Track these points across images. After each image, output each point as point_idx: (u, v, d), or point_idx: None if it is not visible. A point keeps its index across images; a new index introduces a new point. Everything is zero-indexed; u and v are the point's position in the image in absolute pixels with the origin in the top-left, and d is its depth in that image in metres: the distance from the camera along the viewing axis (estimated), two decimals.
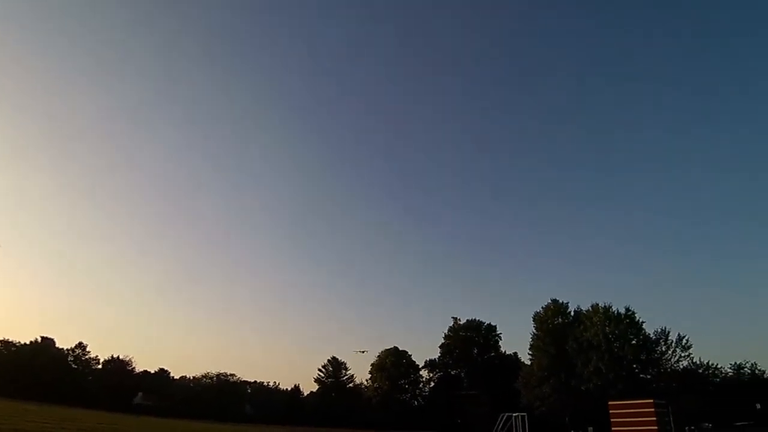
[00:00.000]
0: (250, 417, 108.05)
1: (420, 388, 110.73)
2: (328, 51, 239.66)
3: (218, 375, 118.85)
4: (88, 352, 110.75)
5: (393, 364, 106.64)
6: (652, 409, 50.65)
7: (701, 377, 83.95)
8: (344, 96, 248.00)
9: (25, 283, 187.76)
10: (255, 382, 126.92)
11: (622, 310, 78.25)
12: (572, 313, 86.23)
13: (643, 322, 77.83)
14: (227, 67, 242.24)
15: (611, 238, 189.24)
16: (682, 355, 78.31)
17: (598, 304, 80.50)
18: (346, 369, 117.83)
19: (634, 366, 75.45)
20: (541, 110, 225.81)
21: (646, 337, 77.42)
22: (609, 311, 78.10)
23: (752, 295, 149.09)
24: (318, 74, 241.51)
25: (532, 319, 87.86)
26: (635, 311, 78.22)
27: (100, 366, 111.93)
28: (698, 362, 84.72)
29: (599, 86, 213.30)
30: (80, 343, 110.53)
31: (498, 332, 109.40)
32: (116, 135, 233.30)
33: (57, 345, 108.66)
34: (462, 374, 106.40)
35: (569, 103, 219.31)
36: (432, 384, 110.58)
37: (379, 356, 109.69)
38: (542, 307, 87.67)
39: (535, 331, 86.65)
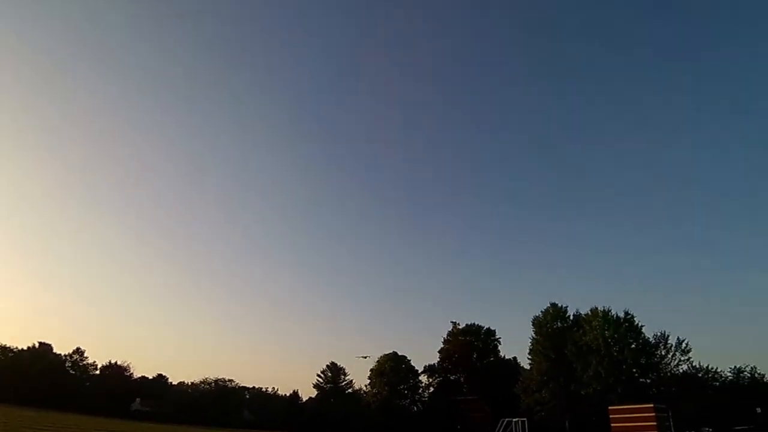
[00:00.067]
0: (248, 423, 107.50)
1: (419, 394, 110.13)
2: (330, 51, 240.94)
3: (216, 380, 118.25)
4: (86, 357, 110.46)
5: (392, 369, 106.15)
6: (653, 414, 50.73)
7: (701, 381, 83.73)
8: (346, 97, 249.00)
9: (22, 288, 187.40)
10: (253, 387, 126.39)
11: (621, 314, 78.00)
12: (571, 317, 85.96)
13: (642, 326, 77.67)
14: (229, 66, 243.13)
15: (610, 242, 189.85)
16: (682, 359, 78.05)
17: (597, 308, 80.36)
18: (345, 374, 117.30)
19: (634, 370, 75.17)
20: (540, 113, 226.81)
21: (646, 341, 77.17)
22: (608, 315, 77.85)
23: (751, 299, 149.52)
24: (319, 74, 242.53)
25: (531, 323, 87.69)
26: (634, 315, 78.08)
27: (97, 372, 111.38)
28: (698, 366, 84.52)
29: (597, 88, 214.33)
30: (78, 349, 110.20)
31: (497, 336, 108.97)
32: (117, 137, 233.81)
33: (54, 351, 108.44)
34: (461, 379, 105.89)
35: (569, 107, 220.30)
36: (431, 389, 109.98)
37: (378, 361, 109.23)
38: (541, 311, 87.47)
39: (534, 335, 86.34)
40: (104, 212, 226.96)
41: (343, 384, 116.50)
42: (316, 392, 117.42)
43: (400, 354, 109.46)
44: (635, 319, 77.61)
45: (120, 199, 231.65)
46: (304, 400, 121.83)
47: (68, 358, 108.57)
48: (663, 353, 78.01)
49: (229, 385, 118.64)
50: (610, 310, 78.64)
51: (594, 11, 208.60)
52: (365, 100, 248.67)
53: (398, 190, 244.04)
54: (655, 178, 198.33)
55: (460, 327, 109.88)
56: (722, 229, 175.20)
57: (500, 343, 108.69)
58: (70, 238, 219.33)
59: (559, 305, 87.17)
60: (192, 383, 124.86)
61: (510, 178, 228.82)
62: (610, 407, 57.12)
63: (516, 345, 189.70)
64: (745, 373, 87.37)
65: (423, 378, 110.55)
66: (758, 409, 76.59)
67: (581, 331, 79.34)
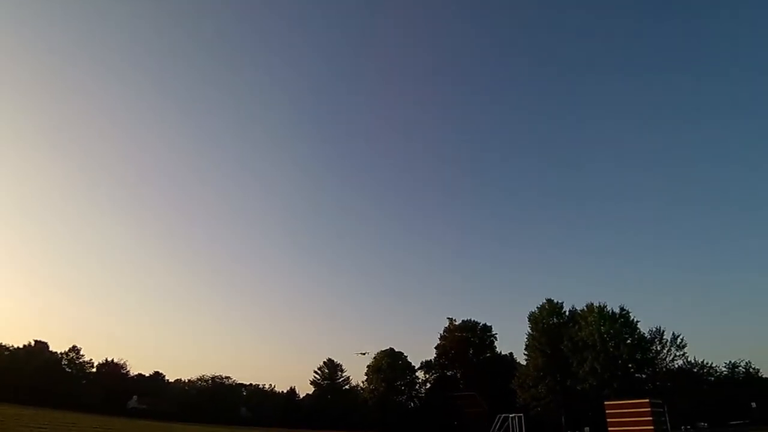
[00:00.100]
0: (245, 420, 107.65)
1: (416, 390, 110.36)
2: (332, 50, 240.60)
3: (213, 378, 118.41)
4: (82, 355, 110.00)
5: (389, 365, 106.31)
6: (648, 409, 50.78)
7: (696, 376, 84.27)
8: (346, 97, 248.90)
9: (18, 286, 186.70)
10: (250, 384, 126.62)
11: (617, 310, 78.29)
12: (567, 313, 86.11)
13: (637, 321, 77.78)
14: (229, 66, 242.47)
15: (606, 238, 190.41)
16: (677, 354, 78.49)
17: (592, 304, 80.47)
18: (342, 371, 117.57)
19: (629, 365, 75.40)
20: (537, 110, 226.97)
21: (641, 336, 77.36)
22: (604, 311, 78.03)
23: (746, 294, 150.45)
24: (319, 74, 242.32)
25: (527, 319, 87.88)
26: (630, 311, 78.20)
27: (94, 369, 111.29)
28: (693, 361, 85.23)
29: (597, 88, 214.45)
30: (74, 347, 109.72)
31: (493, 332, 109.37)
32: (115, 134, 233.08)
33: (51, 348, 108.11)
34: (458, 375, 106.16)
35: (565, 103, 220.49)
36: (428, 385, 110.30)
37: (375, 358, 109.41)
38: (537, 307, 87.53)
39: (530, 331, 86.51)
40: (102, 211, 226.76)
41: (340, 380, 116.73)
42: (313, 389, 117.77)
43: (396, 350, 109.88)
44: (631, 314, 77.87)
45: (118, 198, 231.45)
46: (301, 396, 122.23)
47: (64, 356, 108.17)
48: (658, 348, 78.35)
49: (226, 383, 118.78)
50: (605, 306, 78.91)
51: (594, 11, 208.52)
52: (365, 100, 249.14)
53: (397, 188, 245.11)
54: (654, 177, 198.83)
55: (457, 323, 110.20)
56: (719, 227, 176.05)
57: (496, 339, 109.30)
58: (66, 236, 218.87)
59: (555, 301, 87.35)
60: (189, 381, 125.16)
61: (509, 177, 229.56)
62: (605, 402, 57.25)
63: (512, 341, 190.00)
64: (740, 368, 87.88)
65: (420, 374, 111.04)
66: (753, 404, 77.05)
67: (577, 327, 79.51)
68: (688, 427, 74.87)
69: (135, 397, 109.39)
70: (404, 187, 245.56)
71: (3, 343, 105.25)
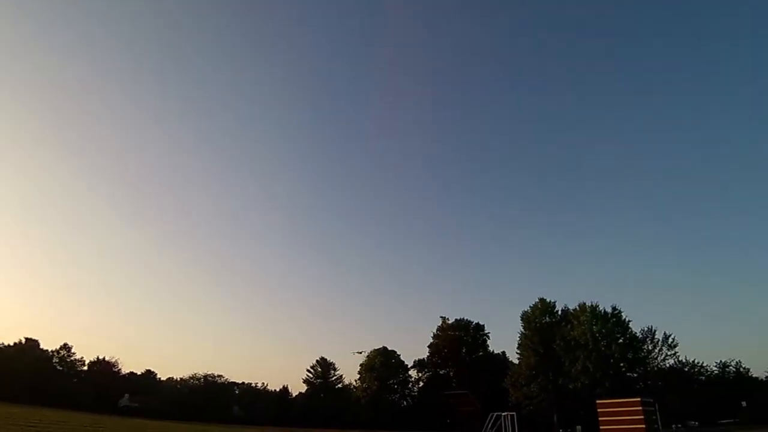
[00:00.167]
0: (238, 418, 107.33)
1: (409, 388, 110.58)
2: (332, 51, 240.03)
3: (206, 376, 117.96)
4: (74, 353, 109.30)
5: (382, 364, 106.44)
6: (640, 408, 50.92)
7: (687, 376, 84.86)
8: (345, 96, 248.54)
9: (7, 283, 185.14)
10: (243, 383, 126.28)
11: (609, 309, 78.73)
12: (559, 312, 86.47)
13: (629, 320, 78.35)
14: (230, 66, 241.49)
15: (598, 238, 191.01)
16: (668, 353, 79.15)
17: (585, 303, 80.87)
18: (335, 369, 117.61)
19: (621, 365, 75.89)
20: (533, 115, 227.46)
21: (633, 335, 77.89)
22: (596, 310, 78.37)
23: (737, 294, 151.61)
24: (320, 74, 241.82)
25: (519, 318, 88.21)
26: (621, 310, 78.77)
27: (85, 367, 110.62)
28: (684, 361, 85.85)
29: (597, 88, 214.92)
30: (65, 345, 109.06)
31: (486, 331, 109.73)
32: (115, 134, 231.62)
33: (41, 346, 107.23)
34: (451, 374, 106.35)
35: (565, 103, 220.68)
36: (421, 384, 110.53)
37: (368, 356, 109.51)
38: (530, 306, 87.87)
39: (522, 330, 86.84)
40: (100, 211, 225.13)
41: (332, 379, 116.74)
42: (305, 387, 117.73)
43: (389, 349, 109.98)
44: (623, 314, 78.42)
45: (116, 197, 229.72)
46: (293, 395, 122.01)
47: (55, 353, 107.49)
48: (650, 348, 78.94)
49: (219, 381, 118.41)
50: (597, 306, 79.32)
51: (594, 11, 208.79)
52: (365, 100, 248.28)
53: (394, 188, 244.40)
54: (640, 175, 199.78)
55: (450, 322, 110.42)
56: (711, 228, 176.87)
57: (489, 338, 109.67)
58: (59, 235, 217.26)
59: (548, 300, 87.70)
60: (181, 379, 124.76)
61: (507, 177, 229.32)
62: (597, 401, 57.40)
63: (505, 340, 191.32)
64: (731, 367, 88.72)
65: (413, 373, 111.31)
66: (743, 403, 77.68)
67: (569, 326, 79.86)
68: (679, 425, 75.38)
69: (126, 395, 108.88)
70: (401, 188, 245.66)
71: None
